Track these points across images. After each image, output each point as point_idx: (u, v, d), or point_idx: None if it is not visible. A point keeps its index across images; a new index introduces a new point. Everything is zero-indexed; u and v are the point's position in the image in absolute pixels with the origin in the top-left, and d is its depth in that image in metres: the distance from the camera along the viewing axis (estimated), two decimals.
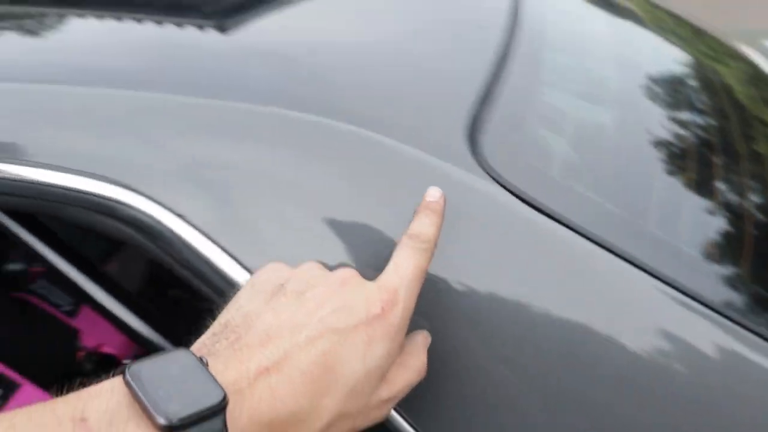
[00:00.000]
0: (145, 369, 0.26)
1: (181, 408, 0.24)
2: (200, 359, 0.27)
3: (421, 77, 0.53)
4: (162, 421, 0.24)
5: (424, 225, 0.34)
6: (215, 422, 0.25)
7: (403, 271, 0.32)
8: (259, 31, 0.60)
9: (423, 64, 0.55)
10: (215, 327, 0.31)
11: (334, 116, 0.43)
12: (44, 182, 0.41)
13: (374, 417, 0.31)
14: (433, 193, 0.36)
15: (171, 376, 0.26)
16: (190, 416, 0.24)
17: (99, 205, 0.40)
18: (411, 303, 0.32)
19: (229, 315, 0.31)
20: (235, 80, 0.48)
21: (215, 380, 0.26)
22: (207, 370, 0.26)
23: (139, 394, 0.25)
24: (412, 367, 0.32)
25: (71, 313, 0.77)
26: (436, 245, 0.34)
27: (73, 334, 0.79)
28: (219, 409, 0.25)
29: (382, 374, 0.30)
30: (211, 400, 0.25)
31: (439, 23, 0.65)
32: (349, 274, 0.33)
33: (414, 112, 0.47)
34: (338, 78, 0.51)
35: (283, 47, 0.56)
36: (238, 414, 0.26)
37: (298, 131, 0.42)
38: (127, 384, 0.25)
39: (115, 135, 0.42)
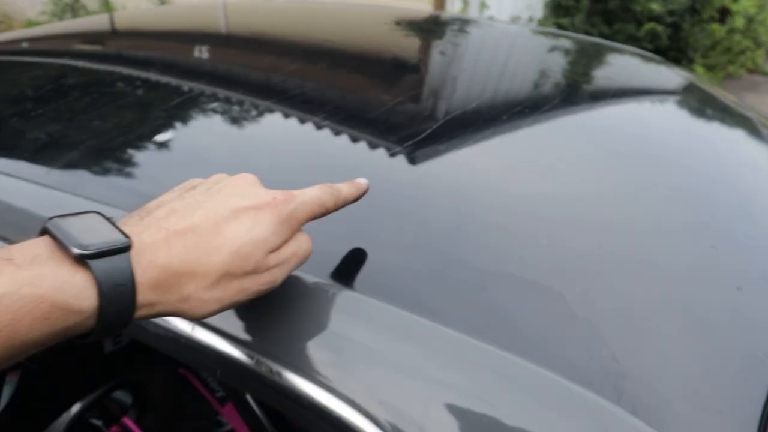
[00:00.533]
0: (61, 220, 0.31)
1: (92, 243, 0.29)
2: (109, 219, 0.32)
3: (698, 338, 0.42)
4: (77, 250, 0.29)
5: (344, 185, 0.42)
6: (122, 258, 0.30)
7: (305, 191, 0.38)
8: (450, 171, 0.57)
9: (689, 314, 0.44)
10: (133, 211, 0.35)
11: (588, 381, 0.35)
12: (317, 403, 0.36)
13: (264, 281, 0.35)
14: (363, 181, 0.44)
15: (83, 225, 0.31)
16: (100, 249, 0.29)
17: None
18: (303, 212, 0.37)
19: (147, 204, 0.36)
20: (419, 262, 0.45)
21: (121, 230, 0.31)
22: (114, 224, 0.32)
23: (57, 234, 0.30)
24: (299, 239, 0.37)
25: (222, 401, 0.81)
26: (342, 203, 0.41)
27: (217, 422, 0.83)
28: (125, 248, 0.30)
29: (267, 246, 0.34)
30: (119, 241, 0.30)
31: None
32: (253, 179, 0.38)
33: (691, 393, 0.38)
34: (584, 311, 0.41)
35: (489, 207, 0.52)
36: (139, 257, 0.30)
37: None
38: (46, 231, 0.30)
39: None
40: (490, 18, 3.66)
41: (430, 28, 1.24)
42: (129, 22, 1.29)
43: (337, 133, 0.63)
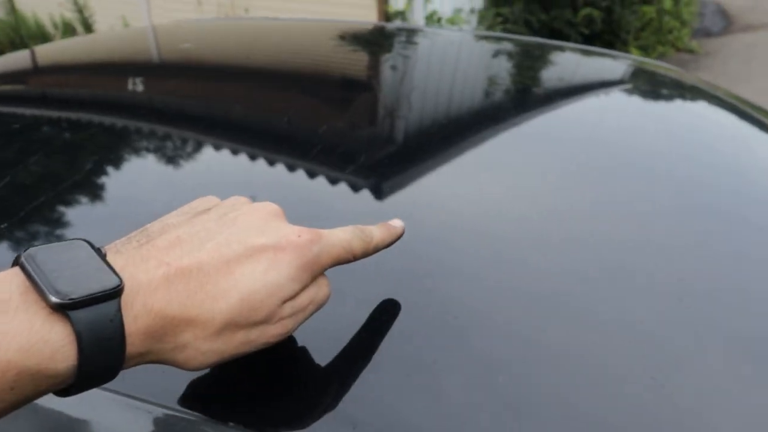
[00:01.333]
0: (41, 253, 0.26)
1: (74, 288, 0.24)
2: (98, 250, 0.27)
3: None
4: (54, 299, 0.23)
5: (376, 228, 0.37)
6: (109, 306, 0.25)
7: (334, 232, 0.33)
8: (422, 207, 0.50)
9: None
10: (132, 233, 0.30)
11: None
12: None
13: (274, 333, 0.30)
14: (398, 223, 0.39)
15: (67, 261, 0.26)
16: (83, 297, 0.24)
17: None
18: (329, 256, 0.32)
19: (150, 225, 0.31)
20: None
21: (112, 268, 0.26)
22: (104, 259, 0.26)
23: (32, 273, 0.24)
24: (319, 283, 0.32)
25: None
26: (373, 250, 0.36)
27: None
28: (114, 293, 0.25)
29: (282, 294, 0.29)
30: (107, 284, 0.25)
31: None
32: (276, 210, 0.33)
33: None
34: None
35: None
36: (131, 300, 0.26)
37: None
38: (21, 266, 0.25)
39: None
40: (434, 14, 3.64)
41: (377, 43, 1.20)
42: (54, 56, 1.18)
43: (291, 167, 0.57)
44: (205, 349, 0.28)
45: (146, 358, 0.27)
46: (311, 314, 0.32)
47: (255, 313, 0.29)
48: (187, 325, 0.27)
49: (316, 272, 0.32)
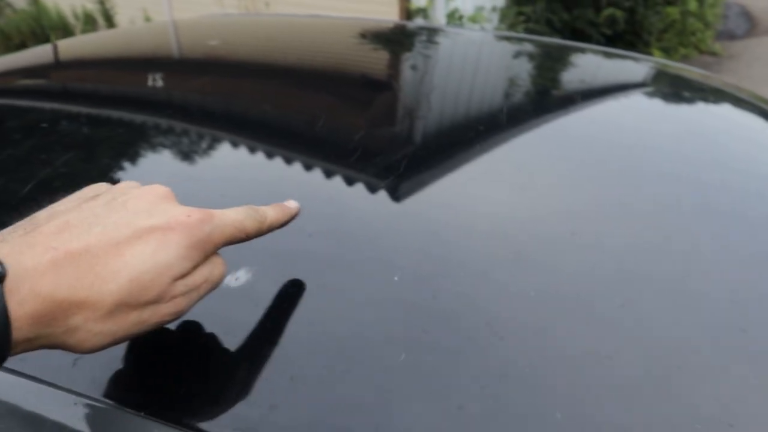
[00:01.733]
0: None
1: None
2: None
3: None
4: None
5: (270, 208, 0.37)
6: None
7: (226, 213, 0.34)
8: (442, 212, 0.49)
9: None
10: (19, 222, 0.30)
11: None
12: None
13: (167, 312, 0.31)
14: (294, 203, 0.40)
15: None
16: None
17: None
18: (221, 236, 0.33)
19: (37, 213, 0.31)
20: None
21: None
22: None
23: None
24: (213, 262, 0.33)
25: None
26: (266, 229, 0.37)
27: None
28: None
29: (172, 273, 0.30)
30: None
31: None
32: (165, 192, 0.33)
33: None
34: None
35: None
36: (16, 286, 0.26)
37: None
38: None
39: None
40: (455, 11, 3.62)
41: (404, 42, 1.19)
42: (75, 51, 1.18)
43: (308, 167, 0.57)
44: (97, 330, 0.28)
45: (36, 343, 0.27)
46: (206, 293, 0.33)
47: (145, 293, 0.29)
48: (77, 308, 0.27)
49: (209, 251, 0.32)
